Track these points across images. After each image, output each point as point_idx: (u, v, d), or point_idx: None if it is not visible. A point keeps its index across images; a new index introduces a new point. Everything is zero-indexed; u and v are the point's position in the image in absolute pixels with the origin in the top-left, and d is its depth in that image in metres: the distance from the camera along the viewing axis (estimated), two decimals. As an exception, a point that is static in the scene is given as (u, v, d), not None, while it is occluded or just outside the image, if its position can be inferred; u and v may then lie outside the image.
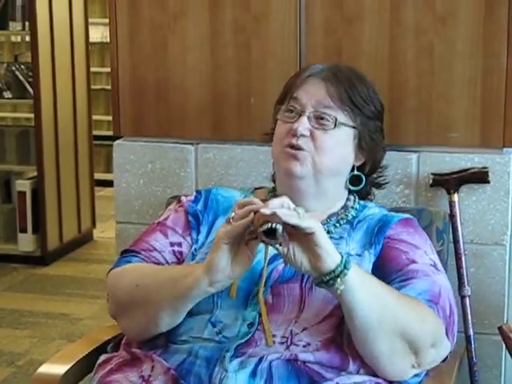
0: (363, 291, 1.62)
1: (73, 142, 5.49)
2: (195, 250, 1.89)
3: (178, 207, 1.98)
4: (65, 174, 5.38)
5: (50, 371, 1.85)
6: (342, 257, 1.59)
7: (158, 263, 1.87)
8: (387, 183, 2.11)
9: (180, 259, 1.89)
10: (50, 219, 5.22)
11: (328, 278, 1.59)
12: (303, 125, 1.85)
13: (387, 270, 1.79)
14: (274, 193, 1.97)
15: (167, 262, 1.88)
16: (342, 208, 1.94)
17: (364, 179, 1.96)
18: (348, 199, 1.96)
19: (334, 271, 1.58)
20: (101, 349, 1.96)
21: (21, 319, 4.27)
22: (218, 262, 1.62)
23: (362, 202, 1.98)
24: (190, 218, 1.93)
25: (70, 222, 5.46)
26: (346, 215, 1.92)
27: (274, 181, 2.01)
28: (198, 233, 1.92)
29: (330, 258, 1.58)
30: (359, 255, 1.82)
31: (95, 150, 5.83)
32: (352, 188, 1.96)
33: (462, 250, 2.19)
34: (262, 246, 1.63)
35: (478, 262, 2.25)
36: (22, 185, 5.17)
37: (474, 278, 2.24)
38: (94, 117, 6.06)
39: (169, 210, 2.01)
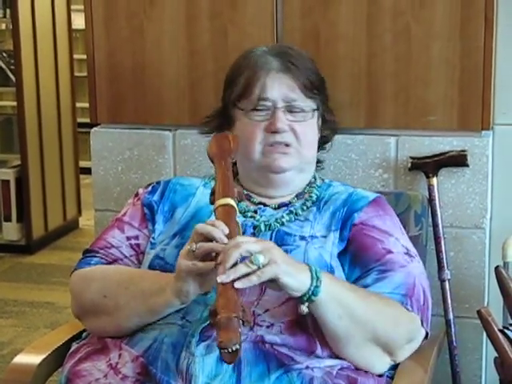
0: (332, 305, 1.63)
1: (57, 129, 5.46)
2: (153, 238, 1.91)
3: (135, 201, 2.01)
4: (49, 162, 5.35)
5: (25, 361, 1.84)
6: (311, 284, 1.59)
7: (117, 259, 1.91)
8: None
9: (138, 251, 1.93)
10: (34, 207, 5.19)
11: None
12: (282, 121, 1.87)
13: (365, 259, 1.81)
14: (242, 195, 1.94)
15: (125, 257, 1.91)
16: (307, 185, 1.98)
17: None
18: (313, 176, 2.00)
19: (300, 298, 1.60)
20: (78, 337, 1.93)
21: (5, 308, 4.25)
22: (186, 290, 1.65)
23: (326, 181, 2.01)
24: (146, 210, 1.96)
25: (55, 210, 5.44)
26: (311, 196, 1.94)
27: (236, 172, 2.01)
28: (154, 223, 1.94)
29: (295, 290, 1.59)
30: (324, 237, 1.84)
31: (80, 137, 5.76)
32: None
33: (442, 234, 2.18)
34: None
35: (457, 245, 2.24)
36: (6, 173, 5.15)
37: (454, 262, 2.23)
38: (79, 104, 6.02)
39: (128, 203, 2.03)
